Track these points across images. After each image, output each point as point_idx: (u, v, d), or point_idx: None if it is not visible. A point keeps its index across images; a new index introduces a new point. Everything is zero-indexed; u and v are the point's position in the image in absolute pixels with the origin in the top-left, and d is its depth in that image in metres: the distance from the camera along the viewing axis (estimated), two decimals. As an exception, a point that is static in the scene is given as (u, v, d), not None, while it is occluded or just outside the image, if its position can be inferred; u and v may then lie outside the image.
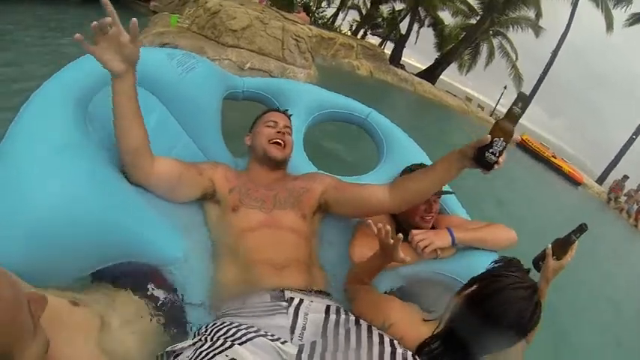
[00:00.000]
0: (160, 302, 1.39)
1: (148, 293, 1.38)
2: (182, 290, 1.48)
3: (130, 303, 1.32)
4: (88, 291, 1.28)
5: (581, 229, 1.52)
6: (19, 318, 0.67)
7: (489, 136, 1.33)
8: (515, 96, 1.38)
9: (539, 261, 1.61)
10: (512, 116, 1.35)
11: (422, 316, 1.37)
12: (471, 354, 1.26)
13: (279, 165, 1.84)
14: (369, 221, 1.41)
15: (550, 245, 1.59)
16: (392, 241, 1.34)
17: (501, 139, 1.33)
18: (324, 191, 1.79)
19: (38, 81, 1.41)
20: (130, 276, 1.38)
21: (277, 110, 2.02)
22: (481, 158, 1.36)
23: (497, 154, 1.34)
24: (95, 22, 1.20)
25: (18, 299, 0.67)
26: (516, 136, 19.61)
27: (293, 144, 1.95)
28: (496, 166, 1.37)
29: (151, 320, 1.33)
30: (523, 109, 1.35)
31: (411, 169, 1.98)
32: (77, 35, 1.14)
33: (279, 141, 1.83)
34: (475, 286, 1.26)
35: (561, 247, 1.56)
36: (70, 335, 1.02)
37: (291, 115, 2.05)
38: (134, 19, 1.25)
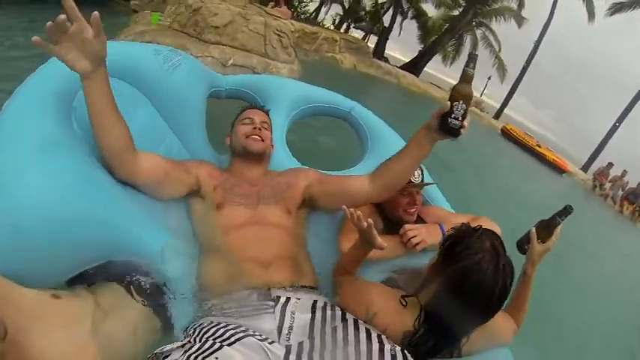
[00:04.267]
0: (146, 288, 1.38)
1: (131, 280, 1.37)
2: (168, 286, 1.47)
3: (111, 294, 1.31)
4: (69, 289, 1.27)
5: (566, 211, 1.50)
6: None
7: (449, 102, 1.38)
8: (467, 58, 1.43)
9: (523, 244, 1.61)
10: (467, 77, 1.40)
11: (403, 301, 1.37)
12: (455, 336, 1.31)
13: (259, 158, 1.85)
14: (344, 207, 1.42)
15: (534, 228, 1.58)
16: (365, 225, 1.35)
17: (460, 102, 1.38)
18: (308, 185, 1.81)
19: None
20: (113, 271, 1.36)
21: (254, 107, 2.02)
22: (445, 125, 1.40)
23: (459, 118, 1.39)
24: (50, 22, 1.09)
25: None
26: (500, 125, 19.77)
27: (272, 139, 1.97)
28: (462, 131, 1.41)
29: (136, 306, 1.33)
30: (474, 69, 1.41)
31: None
32: (35, 38, 1.05)
33: (256, 136, 1.83)
34: (445, 274, 1.26)
35: (545, 229, 1.55)
36: (50, 327, 1.02)
37: (268, 110, 2.06)
38: (95, 13, 1.14)
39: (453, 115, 1.38)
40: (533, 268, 1.58)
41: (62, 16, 1.10)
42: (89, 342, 1.10)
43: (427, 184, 1.93)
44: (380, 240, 1.38)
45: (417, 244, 1.69)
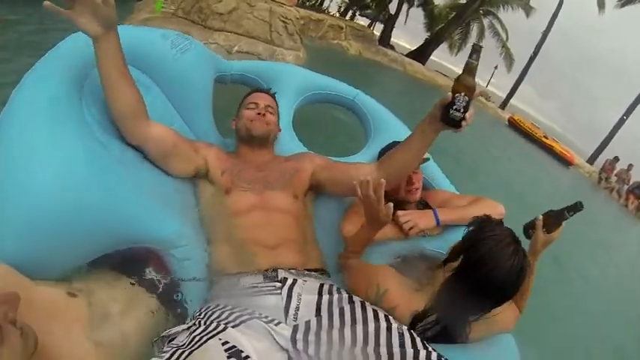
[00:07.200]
0: (158, 286, 1.40)
1: (146, 277, 1.38)
2: (180, 272, 1.48)
3: (127, 289, 1.32)
4: (86, 280, 1.27)
5: (576, 207, 1.50)
6: None
7: (450, 93, 1.36)
8: (470, 49, 1.39)
9: (529, 229, 1.62)
10: (470, 69, 1.37)
11: (413, 287, 1.39)
12: (463, 322, 1.33)
13: (263, 142, 1.84)
14: (354, 182, 1.42)
15: (541, 216, 1.59)
16: (373, 195, 1.37)
17: (462, 94, 1.36)
18: (314, 171, 1.81)
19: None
20: (128, 260, 1.38)
21: (260, 90, 2.01)
22: (447, 117, 1.39)
23: (461, 110, 1.37)
24: None
25: None
26: (506, 115, 19.64)
27: (277, 123, 1.96)
28: (464, 123, 1.39)
29: (149, 305, 1.34)
30: (478, 61, 1.37)
31: (384, 152, 2.00)
32: (46, 2, 1.12)
33: (260, 120, 1.83)
34: (461, 257, 1.29)
35: (553, 220, 1.55)
36: (66, 326, 1.03)
37: (274, 93, 2.05)
38: None
39: (454, 107, 1.36)
40: (535, 257, 1.59)
41: None
42: (103, 341, 1.11)
43: (423, 161, 1.91)
44: (385, 210, 1.39)
45: (411, 228, 1.73)
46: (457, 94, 1.35)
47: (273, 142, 1.94)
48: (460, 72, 1.39)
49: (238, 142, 1.90)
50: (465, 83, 1.35)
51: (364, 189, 1.38)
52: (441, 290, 1.31)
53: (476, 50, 1.36)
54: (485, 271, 1.23)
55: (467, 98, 1.36)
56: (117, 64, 1.38)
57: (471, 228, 1.34)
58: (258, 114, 1.84)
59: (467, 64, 1.37)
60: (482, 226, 1.31)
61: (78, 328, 1.06)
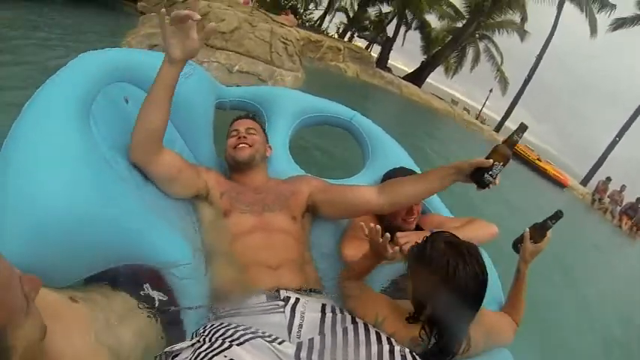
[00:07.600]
0: (155, 302, 1.40)
1: (143, 293, 1.38)
2: (180, 291, 1.48)
3: (125, 301, 1.32)
4: (85, 290, 1.28)
5: (557, 215, 1.61)
6: (11, 294, 0.67)
7: (491, 160, 1.46)
8: (517, 127, 1.52)
9: (517, 243, 1.71)
10: (512, 143, 1.50)
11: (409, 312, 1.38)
12: (460, 335, 1.33)
13: (249, 165, 1.88)
14: (361, 223, 1.43)
15: (528, 229, 1.67)
16: (381, 239, 1.37)
17: (500, 163, 1.47)
18: (311, 193, 1.83)
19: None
20: (126, 276, 1.38)
21: (239, 117, 2.06)
22: (479, 178, 1.49)
23: (494, 177, 1.48)
24: (185, 12, 1.32)
25: (10, 276, 0.67)
26: (501, 138, 19.69)
27: (263, 142, 1.99)
28: (491, 186, 1.49)
29: (146, 317, 1.34)
30: (521, 137, 1.52)
31: (390, 176, 2.02)
32: (163, 10, 1.33)
33: (242, 144, 1.88)
34: (428, 292, 1.29)
35: (538, 231, 1.65)
36: (68, 329, 1.03)
37: (253, 115, 2.11)
38: (212, 24, 1.40)
39: (490, 172, 1.47)
40: (526, 266, 1.66)
41: (197, 16, 1.34)
42: (102, 347, 1.11)
43: None
44: (391, 251, 1.40)
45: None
46: (496, 163, 1.46)
47: (263, 161, 1.96)
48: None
49: (230, 171, 1.95)
50: (503, 154, 1.48)
51: (372, 234, 1.39)
52: (430, 324, 1.31)
53: (522, 129, 1.50)
54: (456, 294, 1.22)
55: (502, 168, 1.48)
56: (170, 88, 1.49)
57: (411, 266, 1.36)
58: (239, 138, 1.89)
59: (511, 138, 1.51)
60: (419, 258, 1.32)
61: (77, 331, 1.07)
